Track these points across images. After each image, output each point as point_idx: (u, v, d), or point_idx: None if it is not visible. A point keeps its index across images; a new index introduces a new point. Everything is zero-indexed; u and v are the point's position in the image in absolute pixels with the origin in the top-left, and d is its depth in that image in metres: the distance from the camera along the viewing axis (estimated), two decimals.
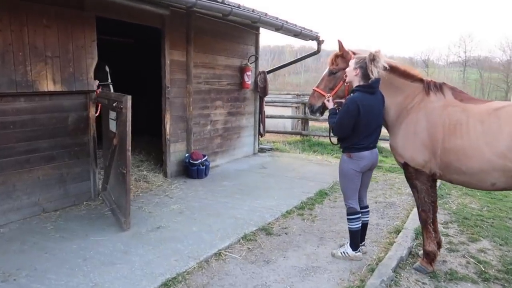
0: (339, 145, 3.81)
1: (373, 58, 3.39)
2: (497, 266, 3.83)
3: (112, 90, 6.45)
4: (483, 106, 3.25)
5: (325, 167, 7.90)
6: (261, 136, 9.30)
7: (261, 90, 8.64)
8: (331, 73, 3.93)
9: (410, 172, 3.58)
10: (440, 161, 3.37)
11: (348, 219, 3.83)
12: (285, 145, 10.56)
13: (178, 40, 6.47)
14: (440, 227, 4.81)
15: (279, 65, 9.64)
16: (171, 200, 5.54)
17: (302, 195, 5.93)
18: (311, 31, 7.85)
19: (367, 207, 4.00)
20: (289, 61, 10.03)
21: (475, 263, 3.85)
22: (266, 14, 6.23)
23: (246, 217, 4.95)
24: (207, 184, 6.46)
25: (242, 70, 8.08)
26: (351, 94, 3.57)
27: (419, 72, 3.76)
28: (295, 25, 7.24)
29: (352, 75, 3.52)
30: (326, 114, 4.18)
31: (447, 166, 3.33)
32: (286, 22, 6.85)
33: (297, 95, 13.77)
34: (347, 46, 3.85)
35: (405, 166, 3.60)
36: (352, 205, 3.76)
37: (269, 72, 8.99)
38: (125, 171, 4.24)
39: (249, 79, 8.14)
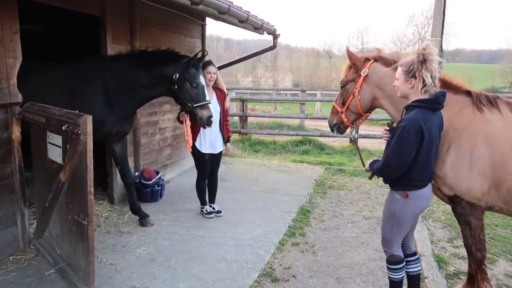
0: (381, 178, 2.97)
1: (423, 59, 2.60)
2: None
3: None
4: None
5: (289, 175, 7.18)
6: None
7: None
8: (341, 86, 3.40)
9: (463, 207, 2.96)
10: (508, 194, 2.81)
11: (389, 268, 3.01)
12: None
13: (121, 32, 5.12)
14: (448, 246, 4.43)
15: (231, 61, 8.58)
16: (132, 240, 4.32)
17: (285, 216, 5.13)
18: (268, 23, 6.99)
19: (415, 253, 3.11)
20: (242, 56, 8.96)
21: None
22: (232, 3, 5.21)
23: (238, 257, 4.00)
24: (167, 209, 5.31)
25: None
26: (408, 113, 2.73)
27: (463, 82, 3.15)
28: (256, 17, 6.31)
29: (406, 88, 2.71)
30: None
31: None
32: (249, 13, 5.89)
33: (227, 89, 12.80)
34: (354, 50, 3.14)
35: (456, 200, 2.96)
36: (397, 252, 2.94)
37: (220, 68, 7.92)
38: (85, 221, 2.99)
39: None
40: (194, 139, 4.73)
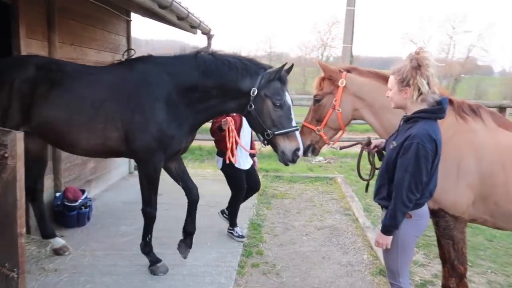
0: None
1: (417, 65, 2.33)
2: None
3: None
4: None
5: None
6: None
7: None
8: (316, 100, 3.11)
9: (447, 221, 2.84)
10: (495, 207, 2.76)
11: None
12: None
13: (37, 23, 4.22)
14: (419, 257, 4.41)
15: None
16: (62, 280, 3.51)
17: None
18: (204, 22, 6.50)
19: None
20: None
21: None
22: None
23: None
24: (99, 234, 4.52)
25: None
26: (410, 125, 2.39)
27: (443, 89, 3.06)
28: (194, 14, 5.78)
29: (401, 98, 2.43)
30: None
31: (509, 215, 2.75)
32: (188, 9, 5.34)
33: None
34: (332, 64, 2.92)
35: (439, 214, 2.82)
36: (405, 285, 2.57)
37: None
38: (14, 273, 2.24)
39: None
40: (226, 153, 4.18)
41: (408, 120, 2.45)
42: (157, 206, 3.59)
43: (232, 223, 4.60)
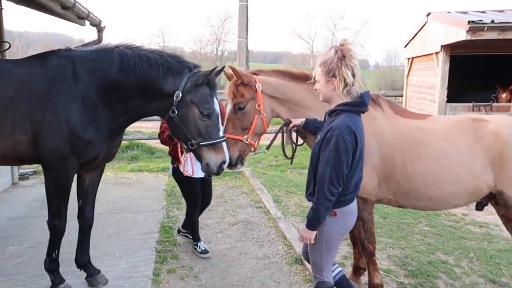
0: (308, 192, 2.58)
1: (342, 56, 2.34)
2: None
3: None
4: (437, 122, 3.12)
5: (133, 188, 6.31)
6: None
7: None
8: (239, 109, 2.96)
9: (357, 203, 3.06)
10: (396, 186, 3.03)
11: None
12: None
13: None
14: None
15: None
16: None
17: (147, 239, 4.41)
18: (93, 13, 5.92)
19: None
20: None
21: None
22: None
23: None
24: None
25: None
26: (333, 118, 2.41)
27: None
28: (81, 4, 5.21)
29: (328, 90, 2.42)
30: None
31: (408, 193, 3.03)
32: None
33: None
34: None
35: None
36: (327, 279, 2.56)
37: None
38: None
39: None
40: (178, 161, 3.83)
41: (331, 113, 2.47)
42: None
43: (195, 238, 4.27)
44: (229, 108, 3.01)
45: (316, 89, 2.52)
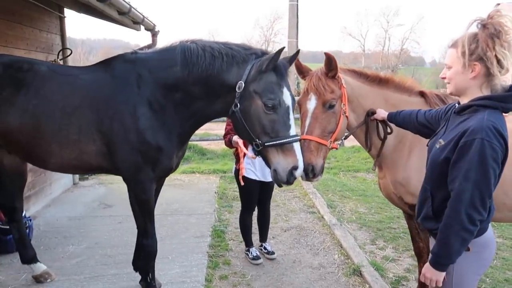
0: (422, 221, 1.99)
1: (495, 31, 1.70)
2: None
3: None
4: None
5: (185, 190, 6.36)
6: None
7: None
8: (329, 107, 2.53)
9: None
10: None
11: None
12: None
13: None
14: (375, 249, 4.35)
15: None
16: None
17: (199, 242, 4.38)
18: (148, 17, 6.04)
19: None
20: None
21: None
22: None
23: None
24: (43, 257, 3.89)
25: None
26: (466, 117, 1.80)
27: (415, 82, 2.98)
28: (137, 9, 5.31)
29: (466, 79, 1.79)
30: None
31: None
32: (130, 3, 4.88)
33: None
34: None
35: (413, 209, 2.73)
36: None
37: None
38: None
39: None
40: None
41: (462, 110, 1.83)
42: (111, 219, 3.10)
43: (246, 242, 4.17)
44: (313, 104, 2.55)
45: (443, 78, 1.89)
